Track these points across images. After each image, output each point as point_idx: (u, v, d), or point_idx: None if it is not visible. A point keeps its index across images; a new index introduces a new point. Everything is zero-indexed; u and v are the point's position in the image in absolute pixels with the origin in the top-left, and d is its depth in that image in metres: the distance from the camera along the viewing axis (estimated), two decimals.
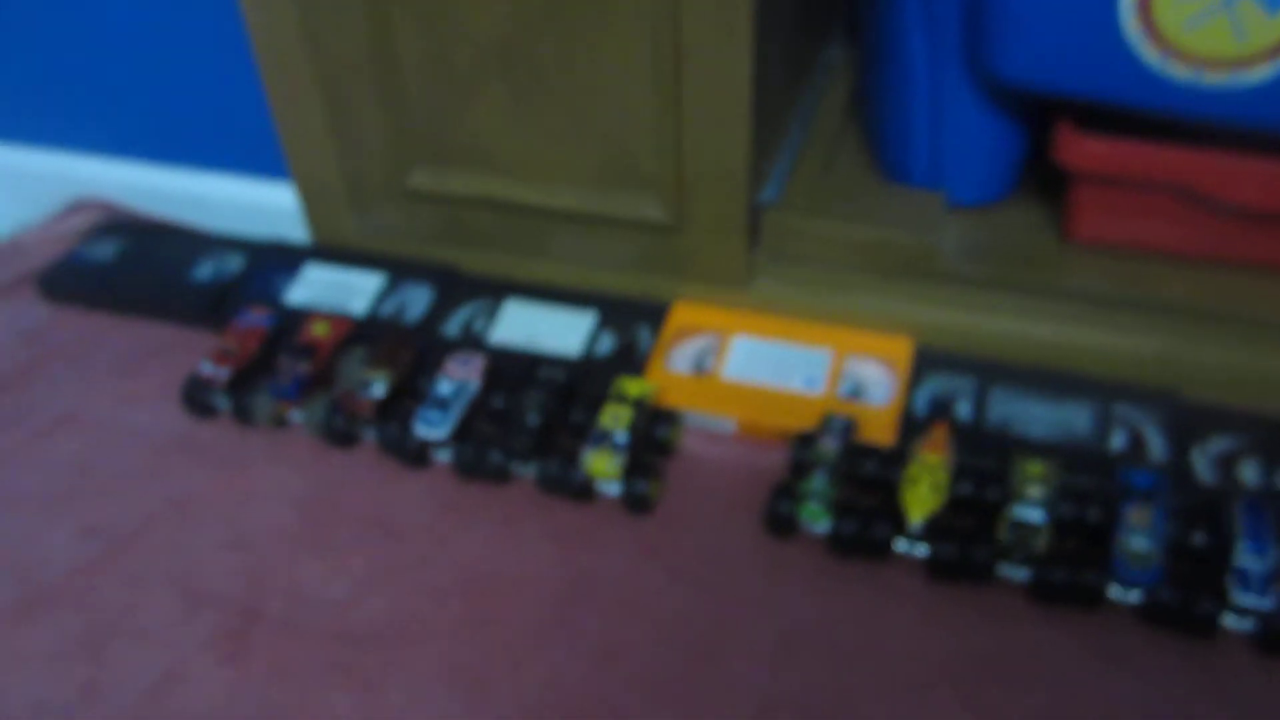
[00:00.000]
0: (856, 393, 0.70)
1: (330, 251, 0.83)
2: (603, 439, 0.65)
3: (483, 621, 0.61)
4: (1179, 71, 0.62)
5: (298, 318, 0.76)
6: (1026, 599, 0.59)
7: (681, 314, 0.75)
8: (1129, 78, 0.63)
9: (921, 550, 0.61)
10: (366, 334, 0.75)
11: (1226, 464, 0.63)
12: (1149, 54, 0.62)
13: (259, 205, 0.88)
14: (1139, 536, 0.57)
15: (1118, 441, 0.65)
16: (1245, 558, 0.55)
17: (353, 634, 0.61)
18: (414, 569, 0.64)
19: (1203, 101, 0.63)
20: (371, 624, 0.61)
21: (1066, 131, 0.68)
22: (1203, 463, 0.63)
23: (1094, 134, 0.67)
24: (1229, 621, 0.56)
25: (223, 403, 0.72)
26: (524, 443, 0.66)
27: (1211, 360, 0.67)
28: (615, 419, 0.65)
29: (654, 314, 0.76)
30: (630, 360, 0.73)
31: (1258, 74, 0.61)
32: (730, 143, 0.68)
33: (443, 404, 0.68)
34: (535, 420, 0.67)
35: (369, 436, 0.70)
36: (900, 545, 0.61)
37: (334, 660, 0.60)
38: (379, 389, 0.69)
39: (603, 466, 0.64)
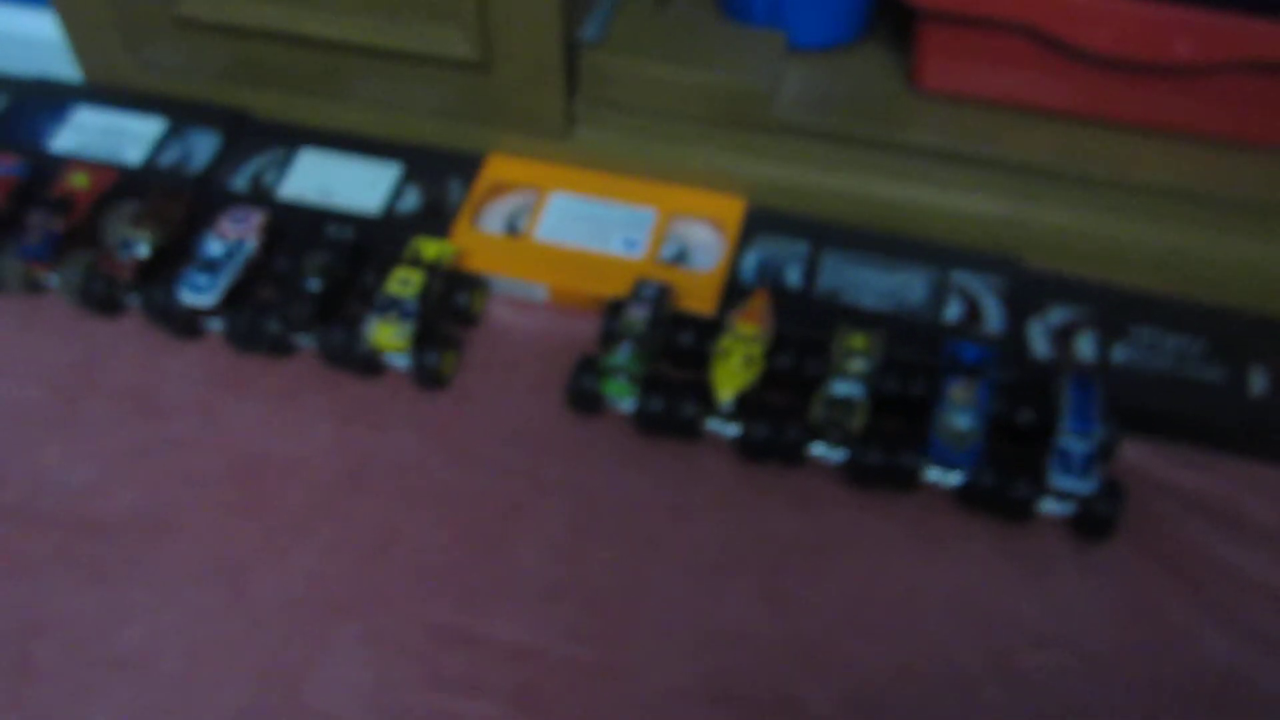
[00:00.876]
0: (682, 257, 0.64)
1: (105, 92, 0.73)
2: (390, 307, 0.58)
3: (248, 508, 0.55)
4: None
5: (58, 167, 0.67)
6: (841, 481, 0.55)
7: (496, 168, 0.68)
8: None
9: (732, 429, 0.56)
10: (137, 186, 0.66)
11: (1064, 337, 0.58)
12: None
13: (22, 36, 0.77)
14: (960, 414, 0.52)
15: (953, 312, 0.60)
16: (1067, 438, 0.51)
17: (99, 523, 0.54)
18: (175, 451, 0.57)
19: None
20: (121, 512, 0.55)
21: None
22: (1039, 335, 0.59)
23: None
24: (1048, 506, 0.52)
25: None
26: (304, 310, 0.59)
27: (1057, 224, 0.62)
28: (405, 284, 0.58)
29: (467, 167, 0.68)
30: (438, 219, 0.66)
31: None
32: None
33: (212, 266, 0.60)
34: (317, 285, 0.59)
35: (134, 303, 0.62)
36: (711, 424, 0.56)
37: (74, 553, 0.53)
38: (142, 248, 0.61)
39: (388, 337, 0.57)
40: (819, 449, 0.54)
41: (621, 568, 0.53)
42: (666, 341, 0.58)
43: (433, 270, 0.59)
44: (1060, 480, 0.50)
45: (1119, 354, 0.57)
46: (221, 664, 0.51)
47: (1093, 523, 0.52)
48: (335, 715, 0.49)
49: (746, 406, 0.55)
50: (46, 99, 0.73)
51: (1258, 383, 0.56)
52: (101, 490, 0.56)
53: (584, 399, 0.57)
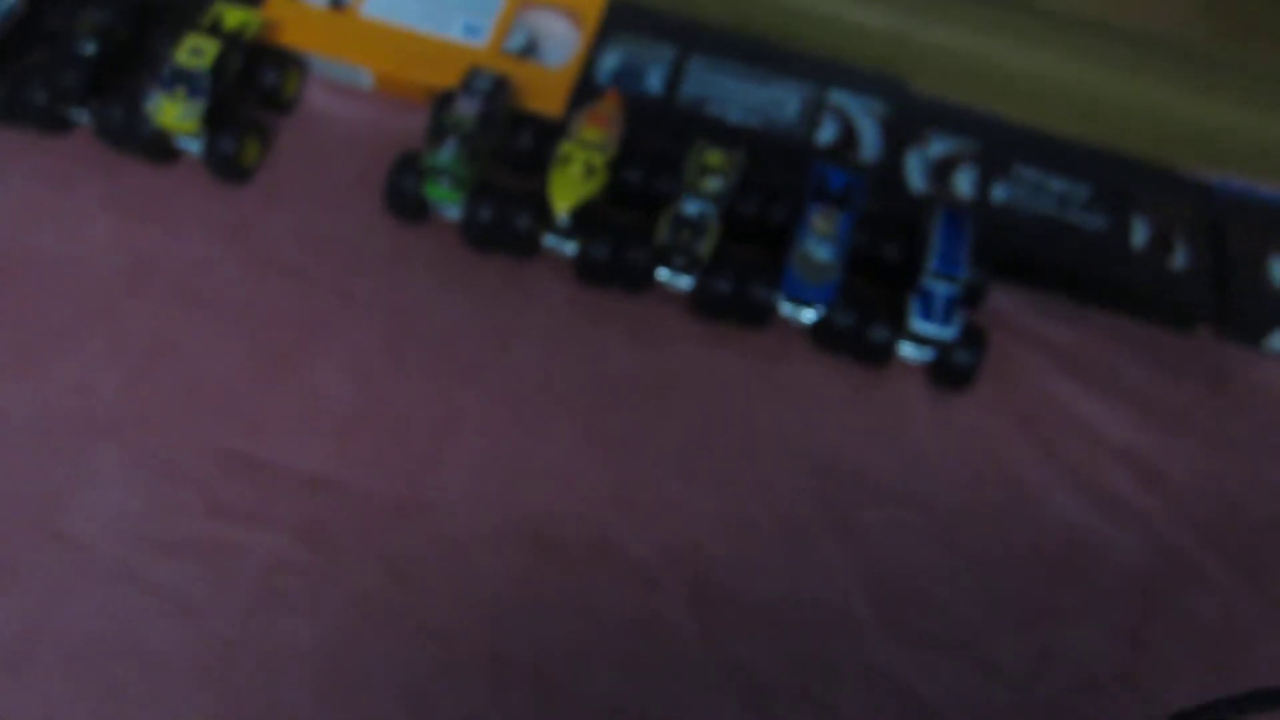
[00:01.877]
0: (530, 49, 0.56)
1: None
2: (178, 80, 0.49)
3: (2, 312, 0.47)
4: None
5: None
6: (687, 313, 0.50)
7: None
8: None
9: (571, 248, 0.49)
10: None
11: (942, 170, 0.53)
12: None
13: None
14: (820, 245, 0.47)
15: (827, 134, 0.54)
16: (931, 280, 0.46)
17: None
18: None
19: None
20: None
21: None
22: (917, 167, 0.53)
23: None
24: (906, 351, 0.48)
25: None
26: (75, 78, 0.50)
27: (948, 45, 0.56)
28: (196, 54, 0.49)
29: None
30: None
31: None
32: None
33: None
34: (93, 49, 0.50)
35: None
36: (549, 241, 0.50)
37: None
38: None
39: (174, 116, 0.49)
40: (665, 274, 0.49)
41: (433, 396, 0.47)
42: (501, 143, 0.51)
43: (232, 41, 0.50)
44: (920, 324, 0.46)
45: (999, 193, 0.53)
46: None
47: (951, 372, 0.48)
48: (97, 546, 0.43)
49: (587, 223, 0.48)
50: None
51: (1140, 234, 0.52)
52: None
53: (404, 203, 0.50)
